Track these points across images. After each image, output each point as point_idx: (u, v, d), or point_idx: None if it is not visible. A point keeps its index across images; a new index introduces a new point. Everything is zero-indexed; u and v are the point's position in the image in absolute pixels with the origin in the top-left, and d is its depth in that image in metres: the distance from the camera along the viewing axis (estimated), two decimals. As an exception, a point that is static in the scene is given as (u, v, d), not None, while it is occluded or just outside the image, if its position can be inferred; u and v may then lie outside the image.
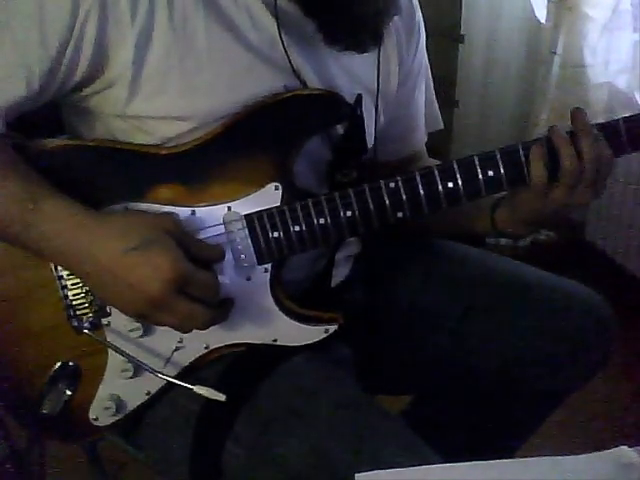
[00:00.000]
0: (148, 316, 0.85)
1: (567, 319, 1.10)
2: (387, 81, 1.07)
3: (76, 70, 0.87)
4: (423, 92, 1.18)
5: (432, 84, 1.21)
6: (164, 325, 0.87)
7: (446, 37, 2.62)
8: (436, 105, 1.23)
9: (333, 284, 1.09)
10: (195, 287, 0.84)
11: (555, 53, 2.13)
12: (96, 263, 0.83)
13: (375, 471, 0.70)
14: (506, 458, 0.70)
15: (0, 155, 0.86)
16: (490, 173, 0.92)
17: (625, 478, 0.66)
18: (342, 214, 0.92)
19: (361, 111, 0.96)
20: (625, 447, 0.69)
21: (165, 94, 0.89)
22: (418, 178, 0.92)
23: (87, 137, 0.97)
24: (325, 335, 0.96)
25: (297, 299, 0.96)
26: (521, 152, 0.92)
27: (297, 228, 0.92)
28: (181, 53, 0.88)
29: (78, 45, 0.85)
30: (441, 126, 1.25)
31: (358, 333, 1.09)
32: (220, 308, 0.89)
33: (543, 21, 2.26)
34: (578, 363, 1.11)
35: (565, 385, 1.14)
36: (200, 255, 0.87)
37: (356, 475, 0.68)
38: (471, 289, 1.14)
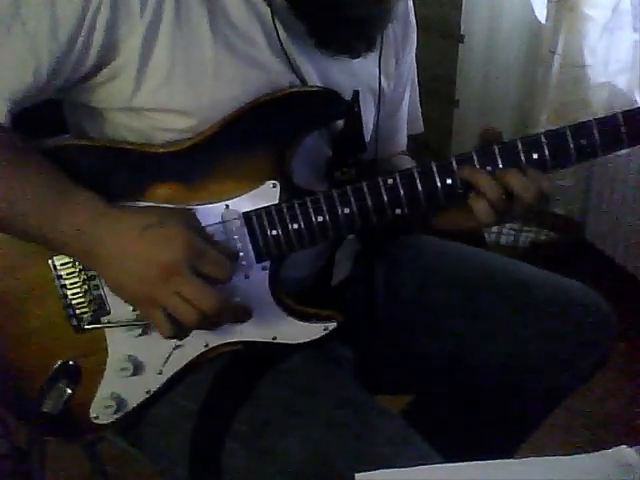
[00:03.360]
0: (157, 296, 0.83)
1: (567, 319, 1.10)
2: (386, 80, 1.08)
3: (85, 60, 0.87)
4: (409, 95, 1.20)
5: (417, 87, 1.22)
6: (171, 309, 0.83)
7: (446, 37, 2.62)
8: (419, 108, 1.24)
9: (334, 283, 1.09)
10: (207, 263, 0.84)
11: (555, 53, 2.13)
12: (117, 243, 0.84)
13: (375, 471, 0.70)
14: (506, 458, 0.70)
15: (10, 148, 0.86)
16: (488, 169, 0.93)
17: (625, 478, 0.66)
18: (340, 211, 0.92)
19: (359, 108, 0.97)
20: (625, 447, 0.69)
21: (169, 87, 0.89)
22: (416, 175, 0.92)
23: (90, 135, 0.97)
24: (324, 333, 0.96)
25: (298, 297, 0.96)
26: (520, 148, 0.92)
27: (295, 226, 0.92)
28: (185, 48, 0.88)
29: (89, 35, 0.85)
30: (421, 130, 1.25)
31: (359, 332, 1.09)
32: (234, 305, 0.89)
33: (543, 21, 2.26)
34: (578, 363, 1.11)
35: (565, 385, 1.14)
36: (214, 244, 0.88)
37: (356, 475, 0.68)
38: (471, 289, 1.14)
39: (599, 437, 1.79)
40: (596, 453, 0.68)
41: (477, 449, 0.99)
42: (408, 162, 1.20)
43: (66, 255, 0.91)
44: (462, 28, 2.56)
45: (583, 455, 0.69)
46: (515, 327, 1.11)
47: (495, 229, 2.45)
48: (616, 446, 0.69)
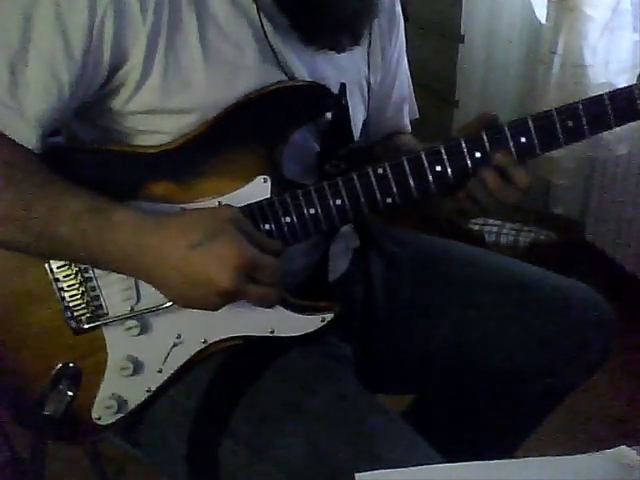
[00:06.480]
0: (223, 304, 0.87)
1: (567, 318, 1.10)
2: (373, 73, 1.09)
3: (100, 70, 0.87)
4: (404, 78, 1.21)
5: (408, 71, 1.23)
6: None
7: (446, 37, 2.62)
8: (412, 93, 1.25)
9: (332, 278, 1.09)
10: (262, 271, 0.85)
11: (555, 53, 2.13)
12: (166, 266, 0.84)
13: (375, 471, 0.69)
14: (506, 458, 0.70)
15: (46, 173, 0.87)
16: (477, 155, 0.93)
17: (625, 478, 0.66)
18: (332, 203, 0.93)
19: (346, 100, 0.97)
20: (625, 447, 0.69)
21: (163, 90, 0.90)
22: (406, 163, 0.93)
23: (84, 137, 0.97)
24: (322, 324, 0.95)
25: (295, 292, 0.96)
26: (507, 132, 0.93)
27: (288, 219, 0.92)
28: (176, 51, 0.89)
29: (99, 47, 0.86)
30: (416, 115, 1.26)
31: (358, 330, 1.09)
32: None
33: (543, 21, 2.26)
34: (578, 362, 1.11)
35: (565, 384, 1.14)
36: (262, 242, 0.88)
37: (356, 475, 0.67)
38: (471, 288, 1.14)
39: (599, 437, 1.79)
40: (596, 453, 0.68)
41: (477, 449, 0.99)
42: (408, 139, 1.21)
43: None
44: (462, 28, 2.56)
45: (583, 455, 0.69)
46: (515, 326, 1.11)
47: (495, 229, 2.45)
48: (616, 446, 0.69)
